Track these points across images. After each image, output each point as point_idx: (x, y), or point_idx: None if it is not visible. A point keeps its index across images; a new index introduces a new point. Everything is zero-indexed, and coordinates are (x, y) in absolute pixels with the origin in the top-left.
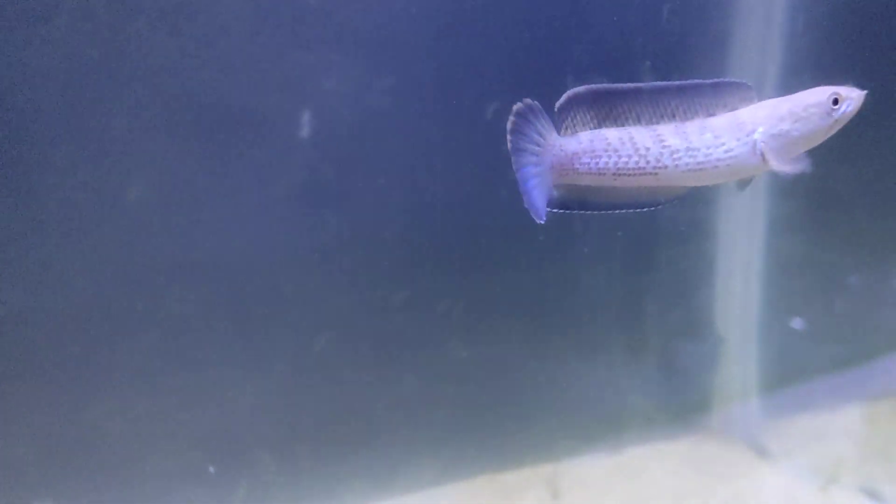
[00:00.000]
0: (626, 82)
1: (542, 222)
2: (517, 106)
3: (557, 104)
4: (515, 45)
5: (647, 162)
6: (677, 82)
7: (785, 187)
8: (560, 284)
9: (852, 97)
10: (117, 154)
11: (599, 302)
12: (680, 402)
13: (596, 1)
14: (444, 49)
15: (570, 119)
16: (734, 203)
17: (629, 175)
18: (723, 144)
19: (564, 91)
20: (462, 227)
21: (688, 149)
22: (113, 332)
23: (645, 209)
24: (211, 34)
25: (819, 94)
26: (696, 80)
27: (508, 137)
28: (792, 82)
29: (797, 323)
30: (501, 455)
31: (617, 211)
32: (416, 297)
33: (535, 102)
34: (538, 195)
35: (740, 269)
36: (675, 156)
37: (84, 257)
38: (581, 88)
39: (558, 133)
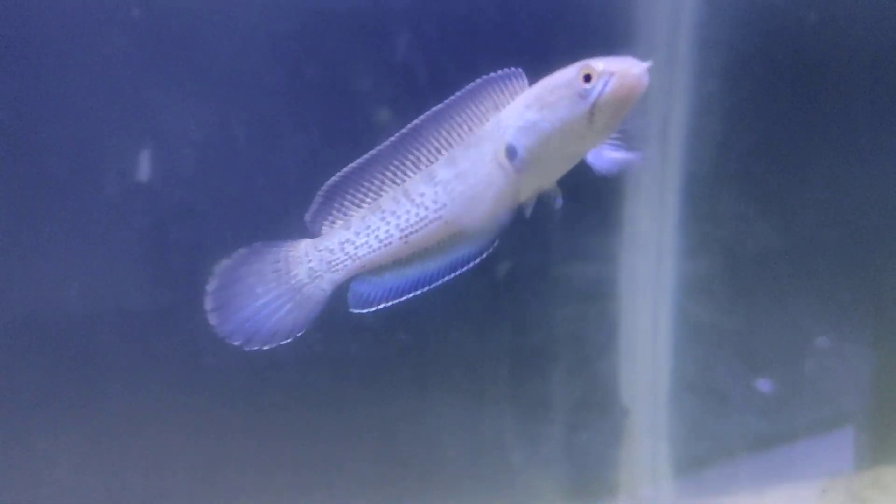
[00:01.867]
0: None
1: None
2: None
3: (310, 211)
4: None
5: (427, 208)
6: (432, 110)
7: (695, 245)
8: (443, 348)
9: (613, 71)
10: None
11: (487, 369)
12: (581, 482)
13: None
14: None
15: (336, 212)
16: (638, 261)
17: (417, 231)
18: (485, 155)
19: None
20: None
21: (457, 174)
22: None
23: (459, 271)
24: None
25: (570, 70)
26: (455, 96)
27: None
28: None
29: (763, 384)
30: None
31: (431, 286)
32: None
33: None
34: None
35: (647, 334)
36: (448, 187)
37: None
38: (330, 180)
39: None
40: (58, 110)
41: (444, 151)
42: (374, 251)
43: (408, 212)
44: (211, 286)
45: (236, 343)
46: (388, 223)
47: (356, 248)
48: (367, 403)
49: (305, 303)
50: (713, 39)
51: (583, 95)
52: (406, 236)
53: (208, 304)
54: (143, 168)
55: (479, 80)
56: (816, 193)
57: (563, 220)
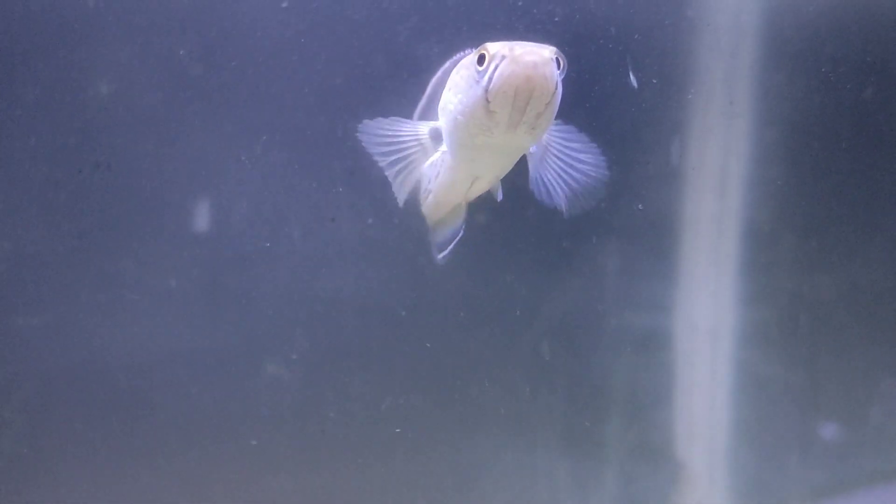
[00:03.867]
0: None
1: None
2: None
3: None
4: None
5: (425, 187)
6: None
7: (754, 294)
8: (495, 392)
9: (507, 55)
10: None
11: (540, 415)
12: None
13: None
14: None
15: None
16: (695, 310)
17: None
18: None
19: None
20: (372, 325)
21: (431, 163)
22: None
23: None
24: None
25: (475, 53)
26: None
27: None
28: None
29: (825, 435)
30: None
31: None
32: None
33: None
34: None
35: (705, 384)
36: (429, 173)
37: None
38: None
39: None
40: (114, 159)
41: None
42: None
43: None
44: None
45: None
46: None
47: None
48: (412, 446)
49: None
50: (774, 86)
51: (477, 80)
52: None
53: None
54: (200, 218)
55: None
56: (879, 242)
57: (620, 267)
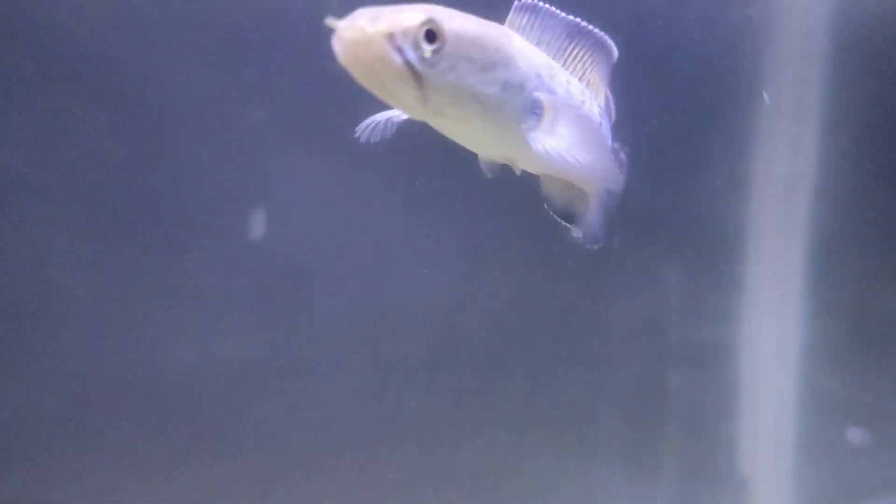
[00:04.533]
0: None
1: None
2: None
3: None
4: None
5: None
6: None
7: (820, 308)
8: (557, 403)
9: (335, 26)
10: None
11: (601, 431)
12: None
13: None
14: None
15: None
16: (759, 324)
17: None
18: None
19: None
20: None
21: None
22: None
23: None
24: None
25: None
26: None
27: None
28: None
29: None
30: None
31: None
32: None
33: None
34: None
35: (769, 400)
36: None
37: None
38: None
39: None
40: (170, 169)
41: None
42: None
43: None
44: None
45: None
46: None
47: None
48: (472, 460)
49: None
50: (841, 95)
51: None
52: None
53: None
54: (256, 226)
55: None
56: None
57: (684, 280)
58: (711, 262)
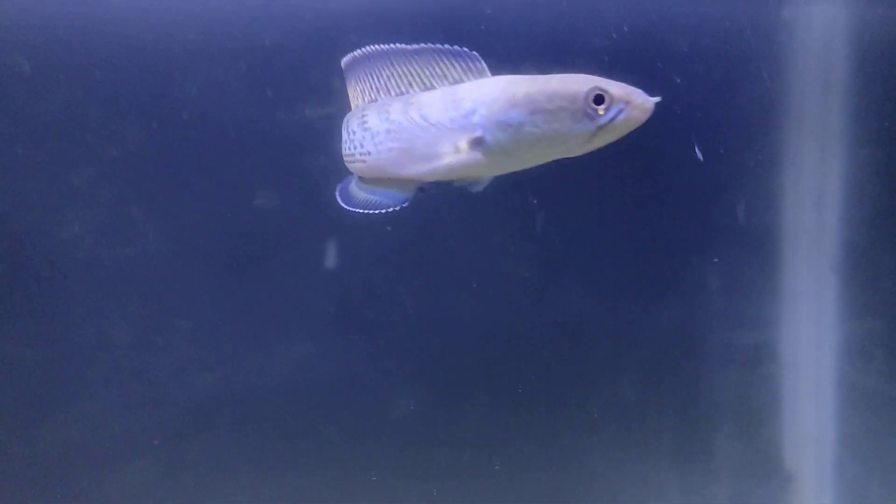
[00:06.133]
0: None
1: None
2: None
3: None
4: None
5: (354, 146)
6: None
7: (856, 309)
8: (608, 401)
9: (631, 102)
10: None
11: (647, 434)
12: None
13: None
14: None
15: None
16: (798, 325)
17: (348, 161)
18: (431, 125)
19: None
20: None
21: (388, 130)
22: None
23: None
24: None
25: (577, 85)
26: (411, 47)
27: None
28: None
29: None
30: None
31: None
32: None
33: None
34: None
35: (810, 399)
36: (375, 139)
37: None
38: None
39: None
40: (259, 198)
41: (381, 93)
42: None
43: (344, 141)
44: None
45: None
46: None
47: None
48: (533, 444)
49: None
50: (866, 105)
51: (591, 116)
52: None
53: None
54: (330, 255)
55: (429, 45)
56: None
57: (724, 285)
58: (751, 270)
